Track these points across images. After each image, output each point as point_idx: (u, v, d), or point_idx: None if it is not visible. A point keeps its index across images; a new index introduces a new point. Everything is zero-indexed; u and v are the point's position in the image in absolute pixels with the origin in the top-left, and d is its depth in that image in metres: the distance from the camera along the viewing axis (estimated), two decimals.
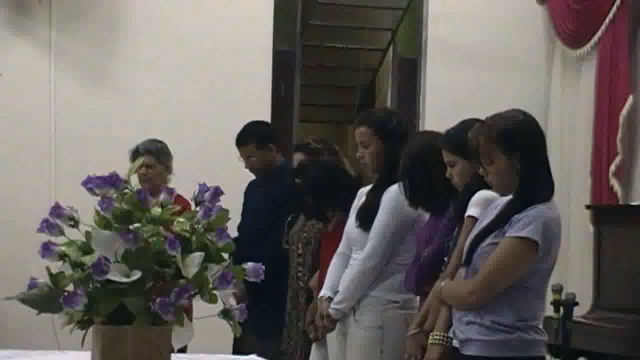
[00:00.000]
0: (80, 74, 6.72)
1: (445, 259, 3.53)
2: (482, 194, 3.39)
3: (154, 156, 5.18)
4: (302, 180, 4.64)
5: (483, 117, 3.27)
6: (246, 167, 5.31)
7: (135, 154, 5.18)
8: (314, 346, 4.49)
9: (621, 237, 5.12)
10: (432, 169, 3.69)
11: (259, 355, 3.30)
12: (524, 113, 3.22)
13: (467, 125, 3.49)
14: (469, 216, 3.38)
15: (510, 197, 3.17)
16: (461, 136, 3.42)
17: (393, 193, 4.01)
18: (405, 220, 4.02)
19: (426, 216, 3.93)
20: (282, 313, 4.89)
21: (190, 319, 2.42)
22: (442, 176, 3.59)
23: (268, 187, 5.28)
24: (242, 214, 5.33)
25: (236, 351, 5.01)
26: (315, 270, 4.63)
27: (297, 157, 5.10)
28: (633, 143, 6.03)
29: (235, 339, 5.16)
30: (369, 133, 4.16)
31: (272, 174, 5.28)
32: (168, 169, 5.31)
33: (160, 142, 5.36)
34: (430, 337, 3.36)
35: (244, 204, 5.40)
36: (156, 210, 2.36)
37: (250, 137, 5.27)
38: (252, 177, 5.50)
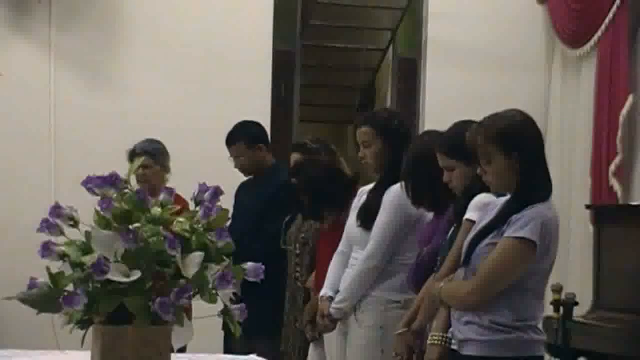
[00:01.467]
0: (80, 74, 6.72)
1: (439, 259, 3.53)
2: (481, 198, 3.38)
3: (151, 157, 5.17)
4: (299, 180, 4.64)
5: (483, 117, 3.27)
6: (235, 167, 5.31)
7: (133, 155, 5.18)
8: (312, 346, 4.49)
9: (621, 237, 5.12)
10: (435, 169, 3.67)
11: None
12: (522, 113, 3.22)
13: (461, 127, 3.50)
14: (467, 220, 3.37)
15: (508, 197, 3.17)
16: (458, 140, 3.43)
17: (395, 193, 4.01)
18: (407, 220, 4.02)
19: (428, 216, 3.93)
20: (277, 313, 4.88)
21: (190, 319, 2.42)
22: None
23: (258, 188, 5.28)
24: (232, 216, 5.30)
25: (227, 351, 5.00)
26: (313, 271, 4.63)
27: (294, 157, 5.09)
28: (633, 143, 6.02)
29: (225, 339, 5.16)
30: (371, 133, 4.17)
31: (263, 175, 5.28)
32: (166, 169, 5.31)
33: (158, 142, 5.36)
34: (430, 337, 3.36)
35: (235, 206, 5.39)
36: (156, 210, 2.36)
37: (240, 137, 5.28)
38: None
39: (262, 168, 5.29)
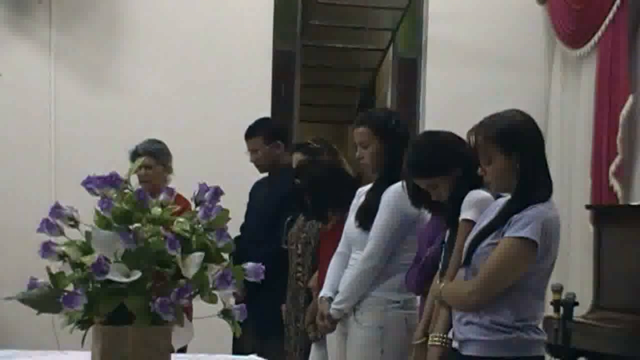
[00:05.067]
0: (80, 74, 6.73)
1: (441, 262, 3.52)
2: (474, 195, 3.38)
3: (153, 157, 5.18)
4: (301, 181, 4.64)
5: (483, 117, 3.26)
6: (251, 160, 5.33)
7: (134, 155, 5.19)
8: (313, 346, 4.49)
9: (621, 237, 5.12)
10: None
11: (259, 355, 3.31)
12: (522, 113, 3.23)
13: (424, 143, 3.57)
14: (463, 220, 3.37)
15: (508, 197, 3.17)
16: (426, 157, 3.46)
17: (393, 192, 4.01)
18: (406, 220, 4.02)
19: (427, 216, 3.92)
20: (281, 313, 4.90)
21: (190, 319, 2.42)
22: None
23: (271, 187, 5.30)
24: (246, 214, 5.34)
25: (236, 351, 5.01)
26: (315, 271, 4.63)
27: (297, 157, 5.10)
28: (633, 143, 6.02)
29: (234, 339, 5.17)
30: (369, 133, 4.16)
31: (276, 173, 5.30)
32: (167, 169, 5.32)
33: (159, 142, 5.37)
34: (430, 338, 3.36)
35: (248, 204, 5.41)
36: (156, 210, 2.36)
37: (259, 131, 5.31)
38: (255, 177, 5.50)
39: (277, 166, 5.30)
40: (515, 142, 3.11)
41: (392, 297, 4.04)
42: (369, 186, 4.25)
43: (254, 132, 5.32)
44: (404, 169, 3.83)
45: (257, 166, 5.37)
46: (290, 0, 7.44)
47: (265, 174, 5.43)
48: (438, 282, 3.44)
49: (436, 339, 3.32)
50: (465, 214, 3.37)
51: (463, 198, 3.40)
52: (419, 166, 3.55)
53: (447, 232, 3.51)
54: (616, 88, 6.02)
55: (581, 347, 4.66)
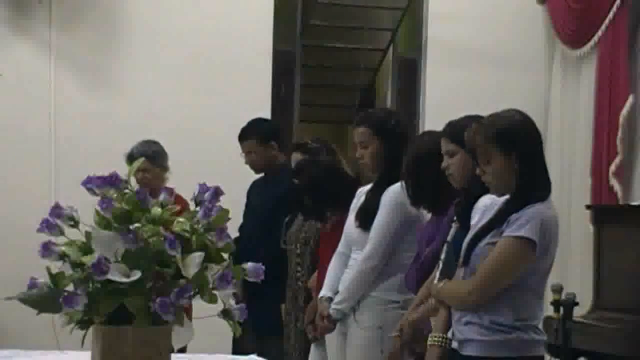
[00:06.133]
0: (80, 74, 6.73)
1: (441, 260, 3.51)
2: (485, 201, 3.36)
3: (149, 160, 5.15)
4: (300, 180, 4.64)
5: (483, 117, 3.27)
6: (246, 162, 5.33)
7: (131, 158, 5.15)
8: (313, 346, 4.50)
9: (621, 237, 5.12)
10: (436, 169, 3.66)
11: (259, 355, 3.31)
12: (521, 113, 3.22)
13: (470, 119, 3.50)
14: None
15: (507, 196, 3.16)
16: (464, 127, 3.41)
17: (393, 192, 4.01)
18: (406, 220, 4.02)
19: (427, 215, 3.92)
20: (281, 313, 4.90)
21: (190, 319, 2.42)
22: (445, 176, 3.57)
23: (268, 187, 5.30)
24: (244, 215, 5.34)
25: (236, 351, 5.01)
26: (314, 270, 4.63)
27: (295, 157, 5.10)
28: (633, 143, 6.03)
29: (234, 339, 5.17)
30: (368, 133, 4.16)
31: (273, 173, 5.29)
32: (165, 169, 5.31)
33: (155, 143, 5.36)
34: (430, 338, 3.35)
35: (246, 204, 5.41)
36: (156, 210, 2.36)
37: (252, 133, 5.30)
38: (254, 177, 5.50)
39: (273, 166, 5.30)
40: (514, 142, 3.10)
41: (391, 297, 4.04)
42: (368, 186, 4.25)
43: (247, 134, 5.31)
44: (404, 169, 3.82)
45: (253, 168, 5.36)
46: (290, 0, 7.44)
47: (262, 174, 5.42)
48: (436, 280, 3.44)
49: (436, 338, 3.31)
50: (477, 218, 3.34)
51: (476, 198, 3.38)
52: (454, 127, 3.50)
53: (452, 231, 3.50)
54: (616, 88, 6.03)
55: (581, 347, 4.66)
